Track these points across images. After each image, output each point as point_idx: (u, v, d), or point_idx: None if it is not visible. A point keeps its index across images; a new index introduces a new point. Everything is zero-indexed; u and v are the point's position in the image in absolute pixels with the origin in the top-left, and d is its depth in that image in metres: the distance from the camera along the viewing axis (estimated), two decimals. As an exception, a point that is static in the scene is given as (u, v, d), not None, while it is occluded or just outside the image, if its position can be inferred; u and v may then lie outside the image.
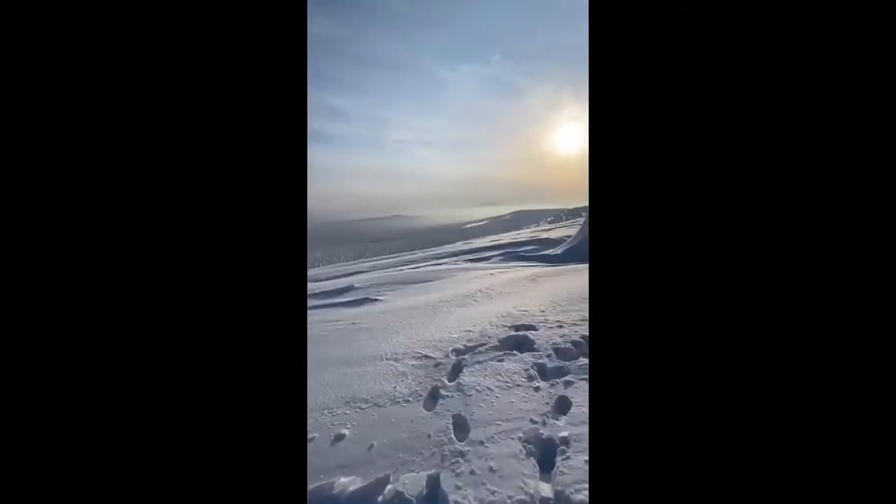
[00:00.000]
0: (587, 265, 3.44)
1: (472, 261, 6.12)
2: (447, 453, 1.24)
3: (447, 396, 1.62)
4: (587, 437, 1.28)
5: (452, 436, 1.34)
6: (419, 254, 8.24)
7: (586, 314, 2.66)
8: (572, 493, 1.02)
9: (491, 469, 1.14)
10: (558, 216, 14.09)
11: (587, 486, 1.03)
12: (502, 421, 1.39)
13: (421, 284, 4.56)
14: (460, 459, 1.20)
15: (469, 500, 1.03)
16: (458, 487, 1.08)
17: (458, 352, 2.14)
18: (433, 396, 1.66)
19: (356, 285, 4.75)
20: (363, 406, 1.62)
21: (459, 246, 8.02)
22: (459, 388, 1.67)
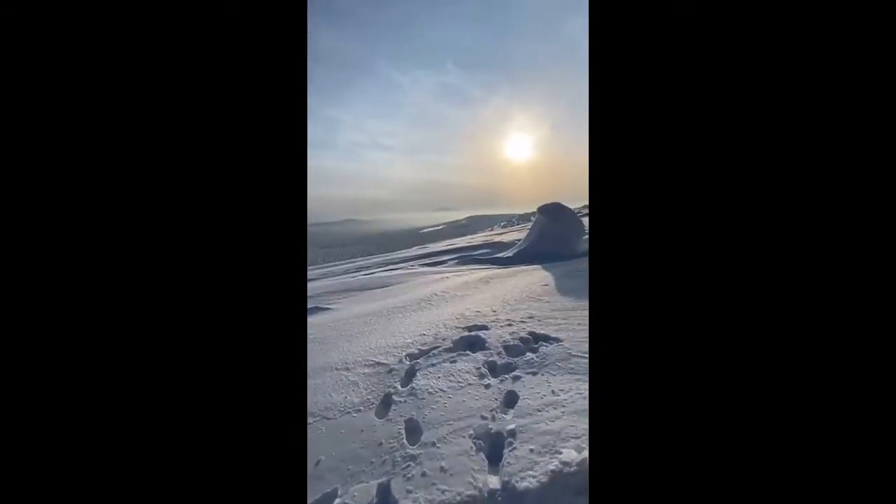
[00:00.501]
0: (536, 266, 3.68)
1: (427, 265, 6.15)
2: (398, 459, 1.23)
3: (400, 402, 1.61)
4: (533, 426, 1.36)
5: (405, 441, 1.33)
6: (373, 259, 8.04)
7: (534, 312, 2.83)
8: (518, 482, 1.07)
9: (442, 469, 1.15)
10: (511, 221, 14.80)
11: (531, 473, 1.10)
12: (454, 420, 1.42)
13: (375, 291, 4.45)
14: (412, 463, 1.20)
15: (420, 503, 1.03)
16: (409, 491, 1.08)
17: (411, 356, 2.13)
18: (385, 403, 1.63)
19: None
20: (311, 420, 1.53)
21: (415, 251, 8.00)
22: (412, 393, 1.67)
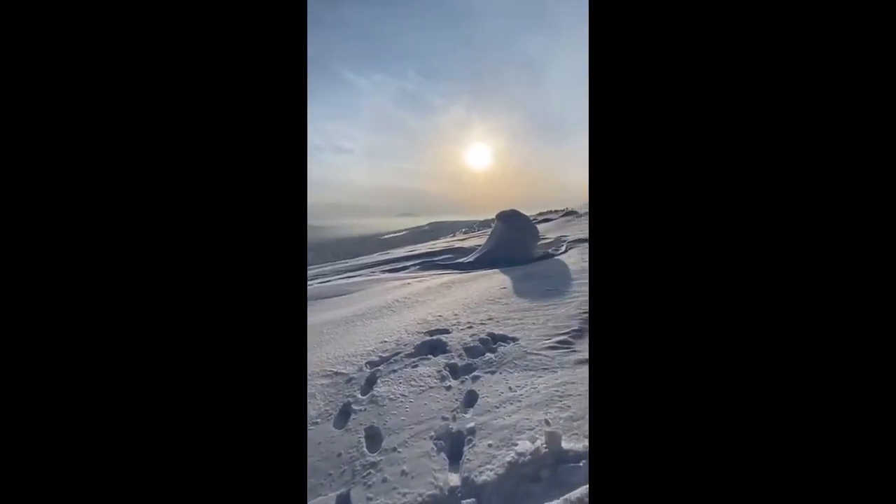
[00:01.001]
0: (495, 270, 3.80)
1: (389, 271, 6.06)
2: (358, 468, 1.21)
3: (360, 410, 1.58)
4: (491, 423, 1.42)
5: (365, 449, 1.31)
6: (328, 267, 7.71)
7: (493, 314, 2.94)
8: (476, 477, 1.12)
9: (403, 472, 1.16)
10: (471, 227, 15.14)
11: (489, 466, 1.15)
12: (415, 424, 1.43)
13: (334, 299, 4.28)
14: (372, 471, 1.19)
15: (380, 509, 1.03)
16: (370, 499, 1.07)
17: (372, 364, 2.09)
18: (344, 413, 1.58)
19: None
20: (261, 439, 1.44)
21: (377, 257, 7.84)
22: (373, 400, 1.64)
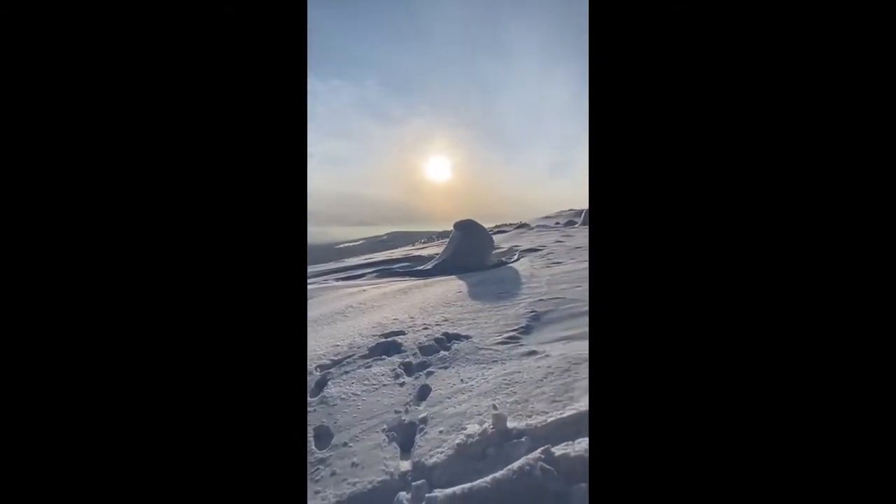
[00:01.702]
0: (452, 277, 3.89)
1: (343, 279, 5.85)
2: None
3: (309, 412, 1.52)
4: (443, 412, 1.47)
5: (313, 447, 1.27)
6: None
7: (449, 315, 3.01)
8: (427, 460, 1.15)
9: (353, 464, 1.15)
10: (431, 237, 15.26)
11: (439, 450, 1.19)
12: (367, 419, 1.42)
13: (282, 306, 4.02)
14: (321, 466, 1.16)
15: (328, 499, 1.01)
16: (318, 492, 1.05)
17: (322, 367, 2.02)
18: (292, 415, 1.51)
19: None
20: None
21: (329, 265, 7.52)
22: (323, 401, 1.60)
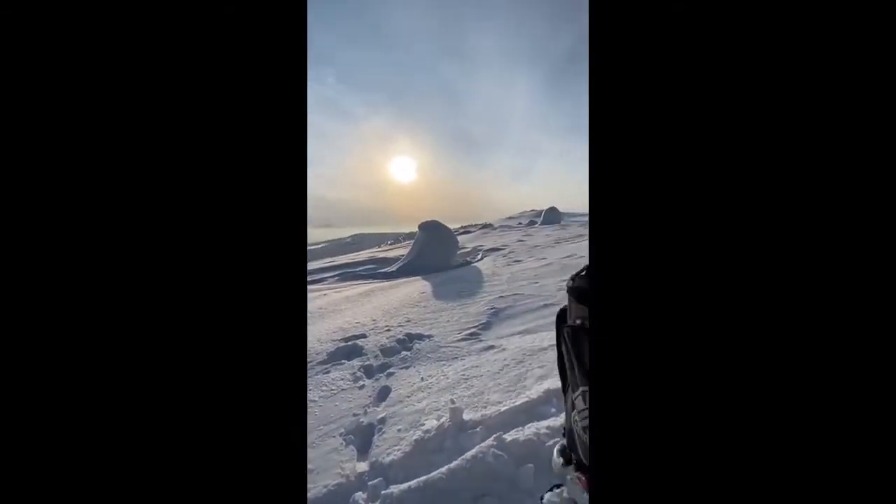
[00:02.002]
0: (417, 278, 3.90)
1: (303, 283, 5.59)
2: (256, 477, 1.12)
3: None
4: (402, 411, 1.48)
5: (264, 458, 1.22)
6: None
7: (412, 316, 3.02)
8: (384, 459, 1.16)
9: (308, 471, 1.13)
10: (398, 238, 15.08)
11: (397, 448, 1.21)
12: (323, 425, 1.39)
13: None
14: (272, 477, 1.12)
15: (279, 509, 0.98)
16: None
17: (278, 375, 1.93)
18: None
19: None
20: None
21: (289, 269, 7.12)
22: (277, 410, 1.53)
